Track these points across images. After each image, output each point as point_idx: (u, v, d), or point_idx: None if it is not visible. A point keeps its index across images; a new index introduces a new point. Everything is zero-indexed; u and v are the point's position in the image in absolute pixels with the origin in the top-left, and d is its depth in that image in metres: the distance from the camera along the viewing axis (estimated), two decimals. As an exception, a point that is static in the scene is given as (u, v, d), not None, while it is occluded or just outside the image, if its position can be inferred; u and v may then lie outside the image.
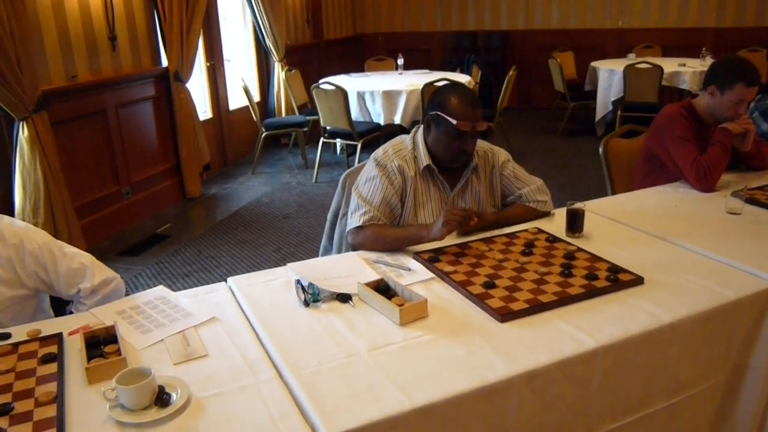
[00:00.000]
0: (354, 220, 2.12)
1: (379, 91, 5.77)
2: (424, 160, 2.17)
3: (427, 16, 9.01)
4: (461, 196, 2.25)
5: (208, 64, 6.13)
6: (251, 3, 6.58)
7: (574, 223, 2.15)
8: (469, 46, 8.73)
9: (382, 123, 5.83)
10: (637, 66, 6.25)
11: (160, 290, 1.84)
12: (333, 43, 8.52)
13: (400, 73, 6.81)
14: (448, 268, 1.90)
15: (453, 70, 7.39)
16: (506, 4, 8.65)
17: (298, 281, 1.81)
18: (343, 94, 5.39)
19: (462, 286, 1.79)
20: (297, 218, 4.96)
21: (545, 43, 8.35)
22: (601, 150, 3.07)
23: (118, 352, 1.45)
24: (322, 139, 5.84)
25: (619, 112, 6.52)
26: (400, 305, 1.65)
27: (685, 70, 6.42)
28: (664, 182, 2.73)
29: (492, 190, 2.29)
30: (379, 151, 2.22)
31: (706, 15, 8.02)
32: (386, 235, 2.07)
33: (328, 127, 5.77)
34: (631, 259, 1.94)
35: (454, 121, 2.05)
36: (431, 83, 5.37)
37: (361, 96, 5.86)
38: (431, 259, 1.97)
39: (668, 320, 1.60)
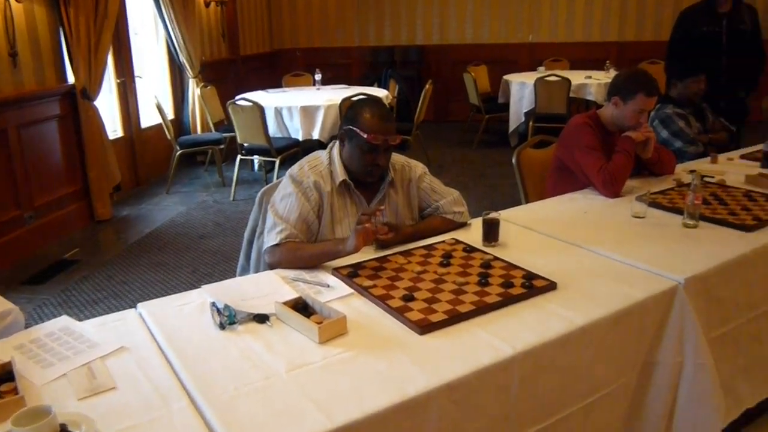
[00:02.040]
0: (270, 239, 2.08)
1: (297, 106, 5.74)
2: (340, 175, 2.16)
3: (345, 32, 9.05)
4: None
5: (118, 80, 5.92)
6: (163, 18, 6.41)
7: (490, 232, 2.18)
8: (386, 60, 8.82)
9: (300, 138, 5.79)
10: (547, 79, 6.49)
11: (64, 320, 1.74)
12: (250, 59, 8.41)
13: (318, 89, 6.80)
14: (367, 283, 1.89)
15: (371, 84, 7.45)
16: (421, 20, 8.81)
17: (213, 304, 1.75)
18: (259, 110, 5.32)
19: (381, 300, 1.78)
20: (214, 238, 4.83)
21: (460, 58, 8.55)
22: (514, 160, 3.15)
23: (15, 390, 1.35)
24: (239, 156, 5.74)
25: (531, 123, 6.74)
26: (318, 323, 1.62)
27: (591, 82, 6.72)
28: (575, 189, 2.83)
29: (410, 203, 2.31)
30: (295, 168, 2.19)
31: (609, 30, 8.45)
32: (303, 252, 2.04)
33: (245, 144, 5.67)
34: (545, 266, 1.99)
35: (365, 135, 2.05)
36: (349, 98, 5.38)
37: (278, 112, 5.81)
38: (350, 275, 1.96)
39: (581, 323, 1.65)
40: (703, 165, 3.21)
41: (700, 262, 1.98)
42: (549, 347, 1.58)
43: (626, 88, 2.72)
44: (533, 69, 7.94)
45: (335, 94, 6.09)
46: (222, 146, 6.24)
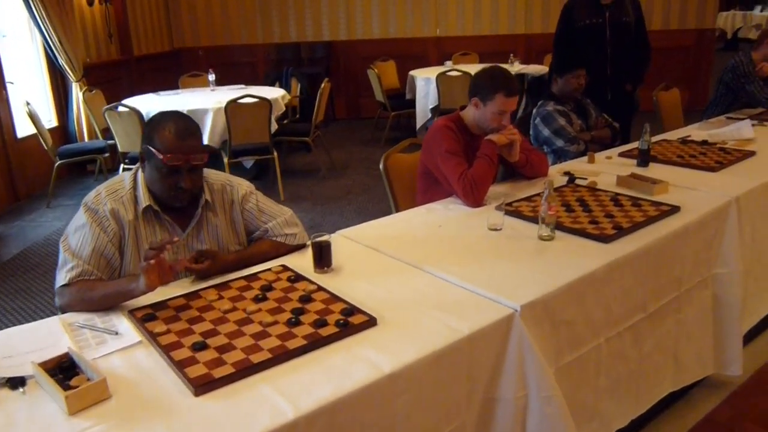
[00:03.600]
0: (60, 278, 1.78)
1: (183, 110, 5.36)
2: (144, 200, 1.88)
3: (248, 29, 8.67)
4: (196, 237, 1.97)
5: (-17, 87, 5.41)
6: (36, 18, 5.92)
7: (321, 257, 1.94)
8: (292, 57, 8.50)
9: (189, 144, 5.41)
10: (449, 74, 6.33)
11: None
12: (146, 59, 7.94)
13: (213, 90, 6.43)
14: (160, 328, 1.61)
15: (272, 84, 7.12)
16: (327, 15, 8.52)
17: (-45, 368, 1.44)
18: (137, 116, 4.94)
19: (167, 351, 1.51)
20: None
21: (369, 53, 8.31)
22: (381, 166, 2.92)
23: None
24: (122, 166, 5.33)
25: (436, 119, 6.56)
26: (76, 387, 1.34)
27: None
28: (442, 197, 2.63)
29: (234, 226, 2.04)
30: (90, 194, 1.89)
31: (516, 23, 8.37)
32: (94, 292, 1.74)
33: (129, 152, 5.27)
34: (375, 295, 1.76)
35: (161, 156, 1.77)
36: (234, 101, 5.06)
37: (164, 116, 5.41)
38: (146, 318, 1.67)
39: (390, 369, 1.42)
40: (580, 165, 3.06)
41: (543, 283, 1.79)
42: (347, 403, 1.35)
43: (485, 88, 2.53)
44: (442, 63, 7.78)
45: (228, 96, 5.73)
46: (107, 154, 5.80)
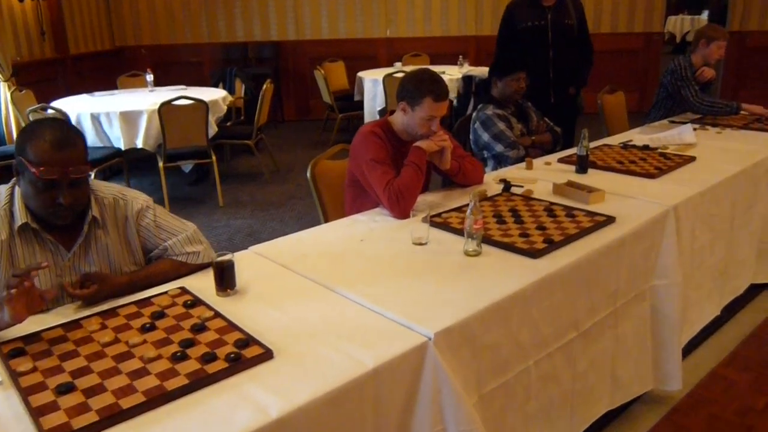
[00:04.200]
0: None
1: (116, 112, 5.10)
2: (21, 217, 1.67)
3: (193, 27, 8.39)
4: (83, 257, 1.77)
5: None
6: (-42, 14, 5.57)
7: (223, 278, 1.76)
8: (239, 57, 8.25)
9: (123, 148, 5.16)
10: (395, 75, 6.18)
11: None
12: (84, 58, 7.59)
13: (151, 91, 6.16)
14: (25, 366, 1.41)
15: (216, 84, 6.87)
16: (275, 14, 8.30)
17: None
18: (63, 118, 4.66)
19: (26, 395, 1.31)
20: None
21: (318, 54, 8.12)
22: (308, 174, 2.75)
23: None
24: (49, 171, 5.02)
25: (384, 123, 6.42)
26: None
27: (444, 78, 6.45)
28: (371, 207, 2.47)
29: (128, 245, 1.84)
30: (-42, 209, 1.68)
31: (467, 24, 8.29)
32: (-47, 324, 1.53)
33: (56, 156, 4.97)
34: (278, 322, 1.60)
35: (34, 169, 1.57)
36: (168, 102, 4.82)
37: (95, 118, 5.14)
38: (12, 353, 1.47)
39: (277, 414, 1.25)
40: (518, 171, 2.94)
41: (463, 305, 1.64)
42: (224, 456, 1.18)
43: (412, 92, 2.38)
44: (392, 64, 7.65)
45: (166, 97, 5.47)
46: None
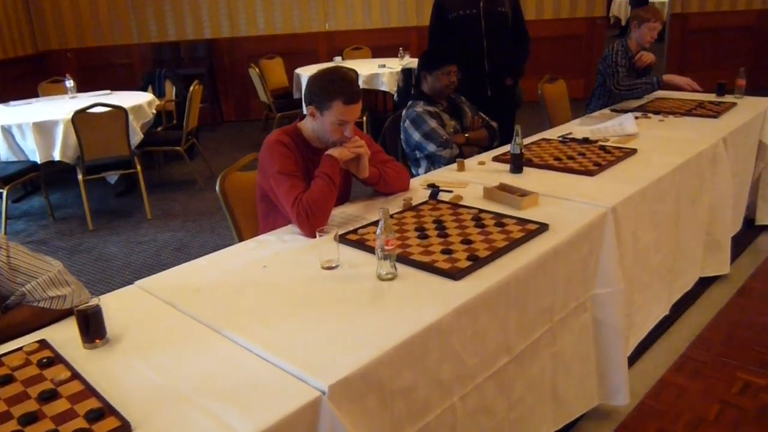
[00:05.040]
0: None
1: (28, 123, 4.71)
2: None
3: (121, 28, 7.96)
4: None
5: None
6: None
7: (88, 329, 1.49)
8: (171, 57, 7.87)
9: (39, 161, 4.78)
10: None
11: None
12: (2, 65, 7.11)
13: (72, 97, 5.76)
14: None
15: (144, 87, 6.49)
16: (207, 11, 7.92)
17: None
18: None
19: None
20: None
21: (255, 51, 7.79)
22: (218, 188, 2.49)
23: None
24: (-45, 190, 4.63)
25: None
26: None
27: (384, 72, 6.24)
28: (285, 223, 2.22)
29: (-25, 291, 1.56)
30: None
31: (408, 15, 8.06)
32: None
33: (-36, 173, 4.58)
34: (149, 379, 1.35)
35: None
36: (83, 111, 4.47)
37: (7, 131, 4.75)
38: None
39: None
40: (449, 174, 2.73)
41: (367, 347, 1.41)
42: None
43: (320, 95, 2.13)
44: (332, 59, 7.38)
45: (84, 105, 5.11)
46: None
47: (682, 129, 3.31)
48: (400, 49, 6.88)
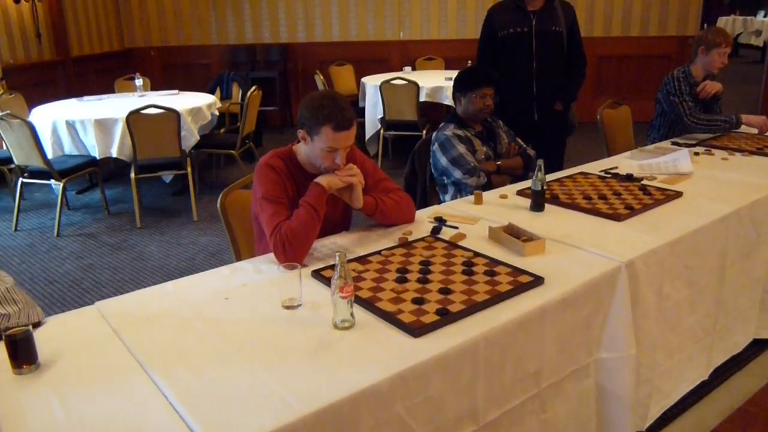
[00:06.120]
0: None
1: (90, 119, 4.87)
2: None
3: (202, 29, 8.18)
4: None
5: None
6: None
7: (17, 353, 1.43)
8: (247, 60, 8.01)
9: (98, 156, 4.93)
10: (393, 82, 5.80)
11: None
12: (88, 60, 7.47)
13: (141, 96, 5.93)
14: None
15: (212, 89, 6.62)
16: (285, 16, 8.01)
17: None
18: (29, 127, 4.45)
19: None
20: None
21: (328, 56, 7.80)
22: (218, 205, 2.43)
23: None
24: (20, 180, 4.84)
25: (382, 132, 6.06)
26: None
27: (449, 84, 6.03)
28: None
29: None
30: None
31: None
32: None
33: (28, 166, 4.79)
34: (54, 424, 1.26)
35: None
36: (136, 111, 4.56)
37: (71, 126, 4.93)
38: None
39: None
40: (463, 206, 2.54)
41: (282, 409, 1.27)
42: None
43: (310, 119, 2.00)
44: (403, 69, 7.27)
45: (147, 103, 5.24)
46: (13, 165, 5.32)
47: (745, 170, 2.95)
48: (469, 61, 6.66)
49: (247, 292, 1.81)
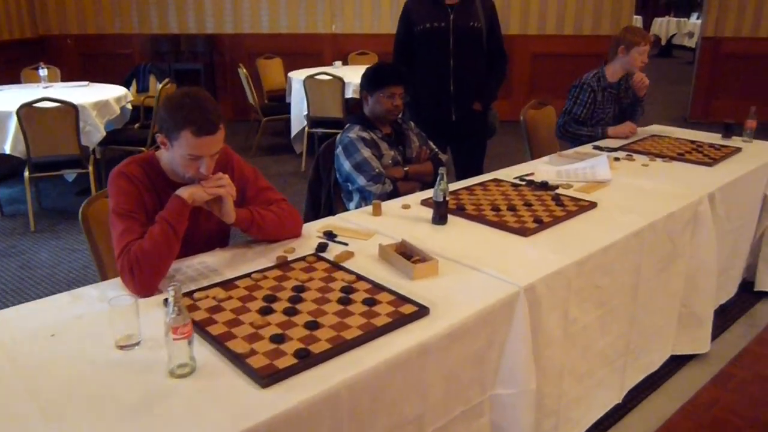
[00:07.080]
0: None
1: (-21, 113, 4.44)
2: None
3: (123, 16, 7.71)
4: None
5: None
6: None
7: None
8: (171, 50, 7.59)
9: (-12, 153, 4.50)
10: (317, 77, 5.53)
11: None
12: (2, 47, 6.91)
13: (46, 87, 5.48)
14: None
15: (127, 81, 6.20)
16: (212, 5, 7.61)
17: None
18: None
19: None
20: None
21: (257, 49, 7.44)
22: (80, 217, 2.13)
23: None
24: None
25: (306, 129, 5.78)
26: None
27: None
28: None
29: None
30: None
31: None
32: None
33: None
34: None
35: None
36: (29, 104, 4.16)
37: (-41, 120, 4.49)
38: None
39: None
40: (359, 217, 2.30)
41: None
42: None
43: (168, 121, 1.73)
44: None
45: (53, 96, 4.81)
46: None
47: (665, 178, 2.82)
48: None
49: (80, 327, 1.53)
